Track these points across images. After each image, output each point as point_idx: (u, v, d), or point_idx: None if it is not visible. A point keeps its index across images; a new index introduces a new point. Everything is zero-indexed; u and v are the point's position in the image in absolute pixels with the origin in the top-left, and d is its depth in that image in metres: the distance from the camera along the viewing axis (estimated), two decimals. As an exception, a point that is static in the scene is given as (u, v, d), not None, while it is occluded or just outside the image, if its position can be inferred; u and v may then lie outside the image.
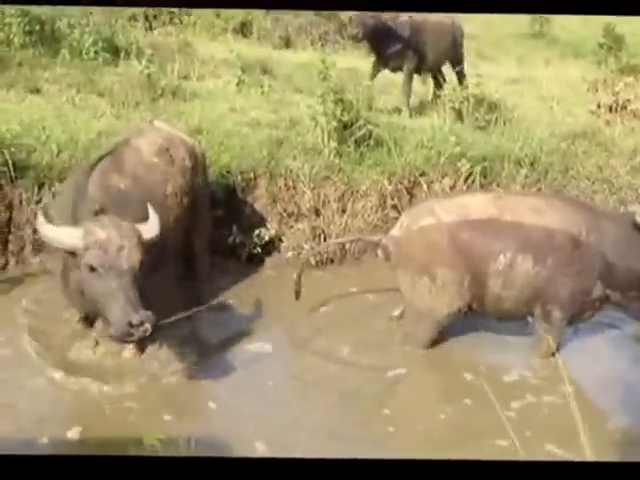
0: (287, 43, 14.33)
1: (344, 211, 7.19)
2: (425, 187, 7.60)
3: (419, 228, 5.22)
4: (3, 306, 5.47)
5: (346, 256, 7.05)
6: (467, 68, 10.54)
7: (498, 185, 7.84)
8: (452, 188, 7.70)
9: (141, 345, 4.75)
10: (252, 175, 6.97)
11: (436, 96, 9.78)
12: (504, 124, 8.96)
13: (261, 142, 7.35)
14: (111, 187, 4.69)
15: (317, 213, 7.11)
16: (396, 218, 7.47)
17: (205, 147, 6.78)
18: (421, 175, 7.65)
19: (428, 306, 5.26)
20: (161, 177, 5.15)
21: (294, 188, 7.10)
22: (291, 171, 7.10)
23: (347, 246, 7.04)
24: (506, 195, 5.44)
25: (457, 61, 10.36)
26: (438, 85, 10.14)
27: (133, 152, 5.11)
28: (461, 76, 10.28)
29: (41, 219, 4.22)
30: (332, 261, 6.98)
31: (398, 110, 9.44)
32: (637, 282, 5.13)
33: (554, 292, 5.06)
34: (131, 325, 3.90)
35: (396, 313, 5.85)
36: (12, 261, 6.10)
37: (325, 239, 6.97)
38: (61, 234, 4.14)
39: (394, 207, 7.48)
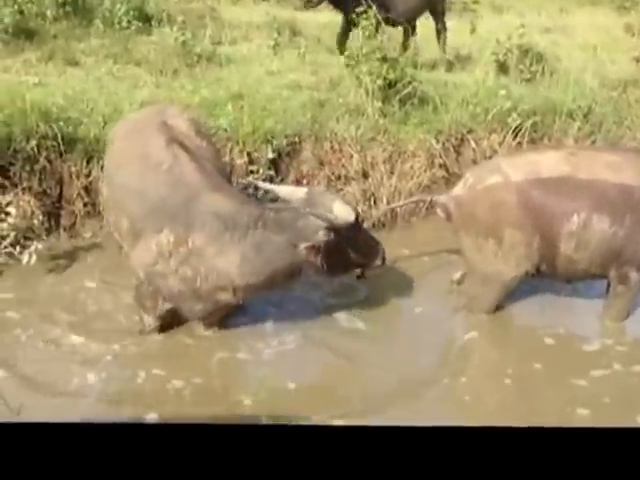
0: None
1: (392, 173, 7.02)
2: (473, 144, 7.40)
3: (485, 187, 5.04)
4: (57, 282, 5.41)
5: (397, 220, 6.90)
6: (510, 18, 10.15)
7: (549, 139, 7.62)
8: (501, 144, 7.50)
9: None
10: (297, 139, 6.81)
11: (404, 47, 8.94)
12: (550, 75, 8.67)
13: (303, 105, 7.17)
14: None
15: (365, 176, 6.95)
16: (444, 177, 7.41)
17: (248, 112, 6.65)
18: (468, 132, 7.45)
19: (494, 269, 5.10)
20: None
21: (340, 151, 6.94)
22: (336, 134, 6.93)
23: (397, 209, 6.90)
24: (579, 151, 5.20)
25: (436, 14, 9.49)
26: (407, 36, 9.24)
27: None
28: (441, 30, 9.48)
29: None
30: (384, 225, 6.84)
31: (435, 65, 9.16)
32: None
33: (631, 252, 4.87)
34: None
35: (456, 277, 5.72)
36: (64, 235, 6.03)
37: (375, 202, 6.83)
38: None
39: (442, 166, 7.30)
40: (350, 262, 4.60)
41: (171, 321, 4.78)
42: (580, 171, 4.85)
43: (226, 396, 4.31)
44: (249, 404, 4.20)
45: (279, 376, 4.47)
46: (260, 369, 4.60)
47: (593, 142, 7.66)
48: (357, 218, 4.51)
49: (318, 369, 4.67)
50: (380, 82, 7.06)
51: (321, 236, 4.22)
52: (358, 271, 4.85)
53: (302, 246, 4.24)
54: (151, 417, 3.96)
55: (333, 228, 4.24)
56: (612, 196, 4.79)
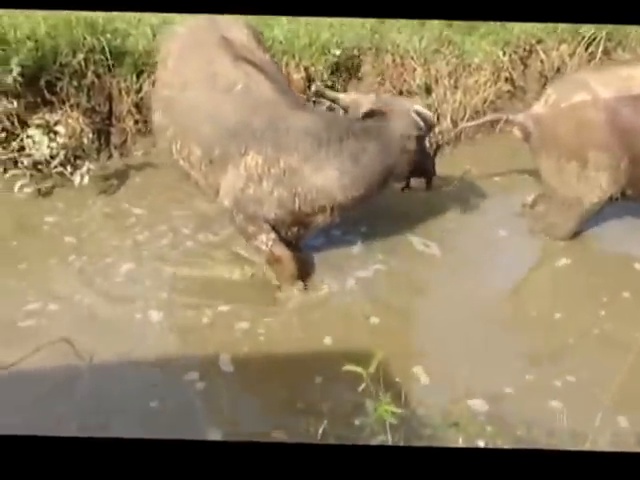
0: None
1: (456, 87, 6.57)
2: (542, 55, 6.89)
3: (570, 105, 4.61)
4: (108, 203, 5.18)
5: (460, 136, 6.50)
6: None
7: (624, 50, 7.06)
8: (571, 56, 6.97)
9: None
10: (356, 52, 6.37)
11: None
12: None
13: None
14: None
15: (428, 90, 6.51)
16: (509, 92, 6.95)
17: (304, 23, 6.20)
18: (537, 43, 6.92)
19: (576, 193, 4.75)
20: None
21: (402, 64, 6.48)
22: (398, 46, 6.46)
23: (460, 126, 6.49)
24: None
25: None
26: None
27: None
28: None
29: None
30: (447, 142, 6.45)
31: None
32: None
33: None
34: None
35: (528, 200, 5.37)
36: (115, 154, 5.77)
37: (438, 118, 6.42)
38: None
39: (507, 80, 6.83)
40: (416, 170, 4.41)
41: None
42: None
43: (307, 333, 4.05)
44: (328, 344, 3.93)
45: (360, 307, 4.24)
46: (342, 300, 4.34)
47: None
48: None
49: (398, 298, 4.39)
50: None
51: (411, 137, 4.12)
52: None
53: (396, 147, 4.12)
54: (223, 358, 3.72)
55: (418, 128, 4.11)
56: None
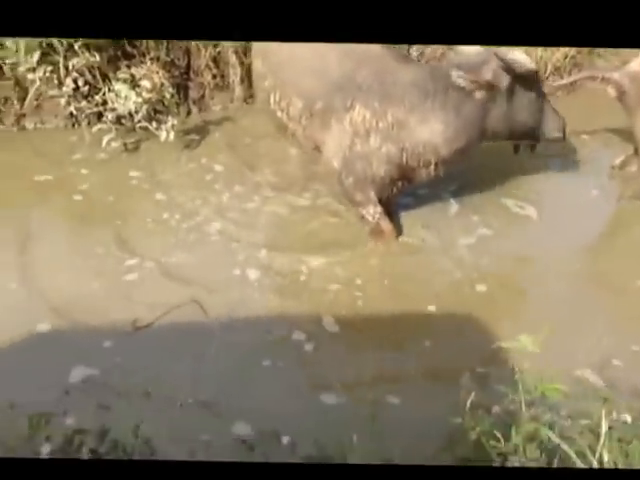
0: None
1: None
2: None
3: None
4: (191, 159, 5.16)
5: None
6: None
7: None
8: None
9: None
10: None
11: None
12: None
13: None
14: None
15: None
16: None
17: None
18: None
19: (675, 156, 4.60)
20: None
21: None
22: None
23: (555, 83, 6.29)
24: None
25: None
26: None
27: None
28: None
29: None
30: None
31: None
32: None
33: None
34: None
35: (617, 161, 5.21)
36: (194, 109, 5.72)
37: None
38: None
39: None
40: (525, 127, 4.26)
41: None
42: None
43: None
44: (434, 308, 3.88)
45: (466, 273, 4.16)
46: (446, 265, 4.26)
47: None
48: (537, 75, 4.19)
49: (502, 265, 4.29)
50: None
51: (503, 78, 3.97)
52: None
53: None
54: (327, 319, 3.69)
55: (514, 74, 3.96)
56: None
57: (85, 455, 2.41)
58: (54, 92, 5.08)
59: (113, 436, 2.49)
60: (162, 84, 5.33)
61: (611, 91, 4.82)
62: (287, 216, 4.58)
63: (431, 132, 3.99)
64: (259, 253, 4.22)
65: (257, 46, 4.54)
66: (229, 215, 4.58)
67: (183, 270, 4.05)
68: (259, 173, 5.00)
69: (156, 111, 5.37)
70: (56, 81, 5.08)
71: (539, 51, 6.25)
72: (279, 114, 4.38)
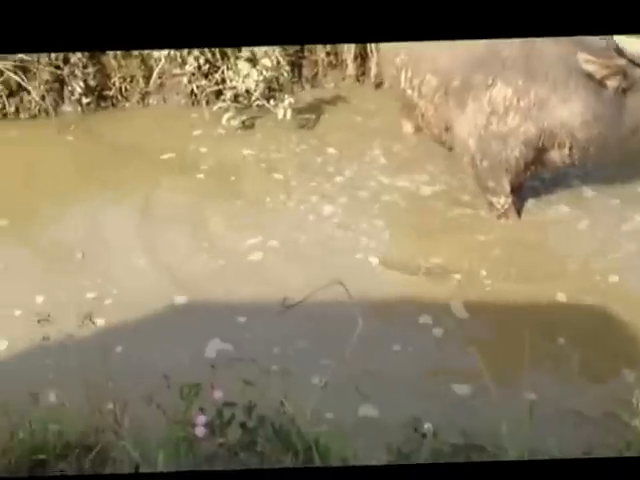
0: None
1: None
2: None
3: None
4: (308, 136, 5.18)
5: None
6: None
7: None
8: None
9: None
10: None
11: None
12: None
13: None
14: None
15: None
16: None
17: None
18: None
19: None
20: None
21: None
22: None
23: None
24: None
25: None
26: None
27: None
28: None
29: None
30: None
31: None
32: None
33: None
34: None
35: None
36: (307, 87, 5.75)
37: None
38: None
39: None
40: None
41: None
42: None
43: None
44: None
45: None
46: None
47: None
48: None
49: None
50: None
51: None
52: None
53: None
54: (454, 304, 3.68)
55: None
56: None
57: (235, 430, 2.50)
58: (177, 71, 5.20)
59: (259, 412, 2.56)
60: (279, 62, 5.38)
61: None
62: (405, 203, 4.53)
63: (570, 112, 3.82)
64: (379, 239, 4.22)
65: None
66: (345, 200, 4.56)
67: (304, 251, 4.11)
68: (374, 156, 4.97)
69: (271, 89, 5.43)
70: (179, 60, 5.20)
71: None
72: (409, 92, 4.30)
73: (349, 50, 5.67)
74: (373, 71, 5.72)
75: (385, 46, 4.51)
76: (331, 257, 4.06)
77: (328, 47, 5.67)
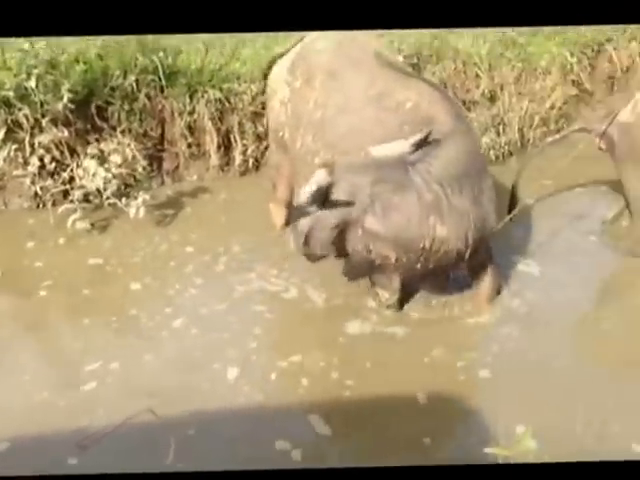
0: None
1: (522, 94, 6.18)
2: (613, 55, 6.45)
3: None
4: (165, 237, 4.89)
5: (527, 147, 6.09)
6: None
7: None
8: (643, 54, 6.54)
9: None
10: (416, 59, 6.00)
11: None
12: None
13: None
14: None
15: (492, 99, 6.13)
16: (577, 96, 6.51)
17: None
18: (607, 41, 6.49)
19: (665, 206, 4.36)
20: None
21: (465, 72, 6.11)
22: (460, 51, 6.08)
23: (529, 135, 6.11)
24: None
25: None
26: None
27: None
28: None
29: None
30: (511, 153, 6.06)
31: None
32: None
33: None
34: None
35: (609, 216, 4.98)
36: (168, 181, 5.51)
37: (504, 128, 6.05)
38: None
39: (574, 83, 6.42)
40: None
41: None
42: None
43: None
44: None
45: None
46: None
47: None
48: None
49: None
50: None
51: None
52: None
53: None
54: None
55: None
56: None
57: None
58: (18, 172, 4.86)
59: None
60: (134, 157, 5.13)
61: (600, 143, 4.62)
62: (266, 310, 4.22)
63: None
64: (240, 347, 3.89)
65: (305, 120, 4.12)
66: (203, 311, 4.19)
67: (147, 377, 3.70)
68: (235, 245, 4.73)
69: (127, 185, 5.16)
70: (21, 160, 4.87)
71: (525, 102, 6.08)
72: None
73: (212, 140, 5.49)
74: (237, 160, 5.56)
75: (307, 144, 4.13)
76: (184, 374, 3.69)
77: (189, 138, 5.48)
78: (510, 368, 3.72)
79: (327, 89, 4.02)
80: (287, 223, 4.74)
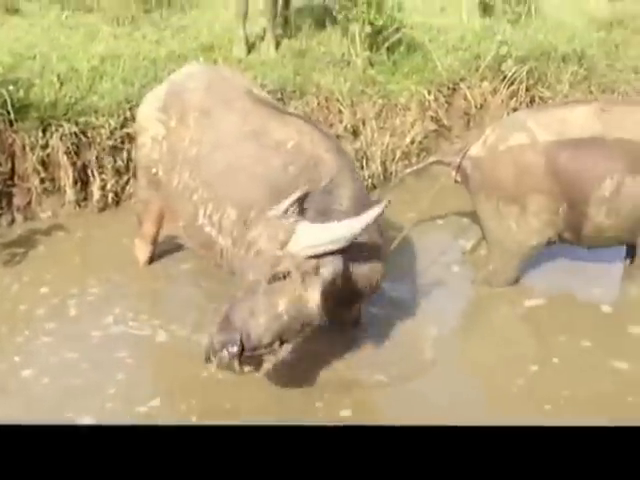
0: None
1: (384, 128, 6.37)
2: (468, 94, 6.78)
3: (508, 147, 4.44)
4: (14, 279, 4.60)
5: (389, 179, 6.26)
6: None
7: (543, 86, 7.04)
8: (493, 93, 6.92)
9: None
10: (280, 95, 6.05)
11: None
12: (534, 15, 8.07)
13: (282, 56, 6.41)
14: None
15: (355, 133, 6.28)
16: (436, 131, 6.80)
17: (223, 65, 5.88)
18: (461, 80, 6.83)
19: (515, 238, 4.56)
20: None
21: (327, 107, 6.22)
22: (322, 87, 6.20)
23: (391, 168, 6.29)
24: (610, 106, 4.59)
25: None
26: None
27: None
28: None
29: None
30: (375, 186, 6.20)
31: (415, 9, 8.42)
32: None
33: None
34: None
35: (468, 246, 5.18)
36: (19, 218, 5.21)
37: (367, 162, 6.19)
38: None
39: (433, 119, 6.69)
40: None
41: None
42: (612, 130, 4.32)
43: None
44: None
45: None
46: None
47: (588, 87, 7.15)
48: None
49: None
50: (369, 29, 6.30)
51: None
52: None
53: None
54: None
55: None
56: None
57: None
58: None
59: None
60: (-20, 194, 4.82)
61: (456, 175, 4.79)
62: (125, 354, 4.02)
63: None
64: (88, 401, 3.63)
65: (181, 158, 4.07)
66: (54, 359, 3.93)
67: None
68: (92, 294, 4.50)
69: (-26, 224, 4.83)
70: None
71: (386, 137, 6.25)
72: (207, 229, 3.94)
73: (67, 175, 5.25)
74: (96, 196, 5.35)
75: (184, 181, 4.07)
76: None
77: (43, 173, 5.21)
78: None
79: (201, 126, 4.03)
80: (151, 260, 4.73)
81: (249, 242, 3.35)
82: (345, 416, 3.60)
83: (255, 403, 3.62)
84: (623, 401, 3.76)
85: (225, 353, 3.14)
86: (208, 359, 3.21)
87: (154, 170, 4.28)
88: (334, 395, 3.73)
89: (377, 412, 3.84)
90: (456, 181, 4.84)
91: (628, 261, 4.92)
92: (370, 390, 3.84)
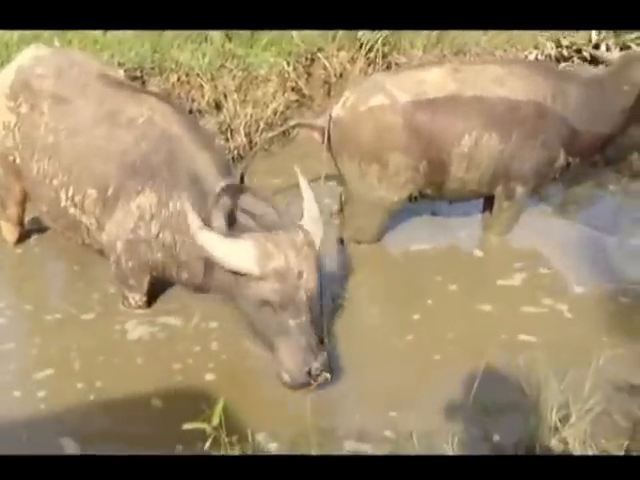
0: None
1: (246, 101, 6.46)
2: (326, 63, 6.97)
3: (368, 108, 4.64)
4: None
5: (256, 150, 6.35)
6: None
7: (399, 52, 7.34)
8: (352, 62, 7.15)
9: None
10: (139, 72, 6.02)
11: None
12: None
13: (137, 34, 6.34)
14: None
15: (218, 107, 6.34)
16: (297, 101, 6.96)
17: (79, 46, 5.77)
18: (318, 50, 7.01)
19: (378, 195, 4.79)
20: None
21: (188, 82, 6.25)
22: (181, 63, 6.21)
23: (256, 138, 6.39)
24: (464, 66, 4.85)
25: None
26: None
27: None
28: None
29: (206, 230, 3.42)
30: (241, 157, 6.28)
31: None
32: (598, 147, 4.94)
33: (518, 168, 4.74)
34: (310, 374, 3.28)
35: (335, 208, 5.37)
36: None
37: (232, 134, 6.27)
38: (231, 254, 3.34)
39: (294, 89, 6.86)
40: None
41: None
42: (467, 88, 4.61)
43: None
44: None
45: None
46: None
47: (441, 51, 7.50)
48: None
49: None
50: (221, 2, 6.35)
51: None
52: None
53: None
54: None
55: None
56: (499, 112, 4.60)
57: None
58: None
59: None
60: None
61: (318, 138, 4.93)
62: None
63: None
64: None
65: (37, 146, 4.15)
66: None
67: None
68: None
69: None
70: None
71: (249, 109, 6.33)
72: (72, 210, 4.10)
73: None
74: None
75: (42, 168, 4.16)
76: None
77: None
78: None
79: (56, 113, 4.10)
80: (20, 239, 4.87)
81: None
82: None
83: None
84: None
85: (325, 375, 3.28)
86: (307, 384, 3.29)
87: (11, 158, 4.32)
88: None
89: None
90: (321, 143, 4.97)
91: (487, 212, 5.24)
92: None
